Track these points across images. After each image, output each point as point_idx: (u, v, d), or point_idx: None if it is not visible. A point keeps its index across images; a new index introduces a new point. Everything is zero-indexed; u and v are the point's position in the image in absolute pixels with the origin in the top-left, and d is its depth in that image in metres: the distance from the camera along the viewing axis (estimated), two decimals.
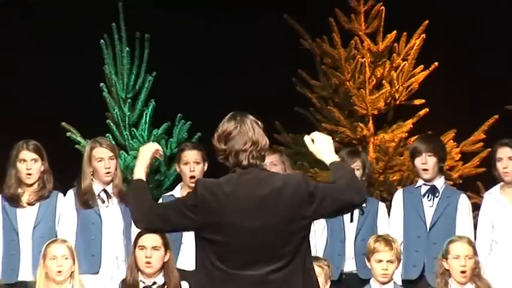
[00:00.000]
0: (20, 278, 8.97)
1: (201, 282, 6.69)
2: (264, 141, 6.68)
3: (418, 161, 9.23)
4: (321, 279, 8.39)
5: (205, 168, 9.27)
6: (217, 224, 6.56)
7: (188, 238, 8.91)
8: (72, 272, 8.50)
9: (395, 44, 11.11)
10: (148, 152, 6.79)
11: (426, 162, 9.20)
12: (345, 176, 6.80)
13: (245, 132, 6.69)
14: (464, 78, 10.77)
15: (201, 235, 6.65)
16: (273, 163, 9.12)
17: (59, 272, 8.41)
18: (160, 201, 9.24)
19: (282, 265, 6.59)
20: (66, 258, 8.46)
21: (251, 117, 6.73)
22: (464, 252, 8.54)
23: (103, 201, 9.07)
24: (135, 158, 10.54)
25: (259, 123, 6.75)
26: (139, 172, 6.73)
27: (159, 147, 6.86)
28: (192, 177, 9.19)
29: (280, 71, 11.04)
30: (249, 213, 6.59)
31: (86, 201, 9.03)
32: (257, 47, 10.84)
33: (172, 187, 9.89)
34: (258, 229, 6.58)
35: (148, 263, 8.44)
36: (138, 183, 6.75)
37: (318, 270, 8.37)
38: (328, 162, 6.82)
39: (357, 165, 9.23)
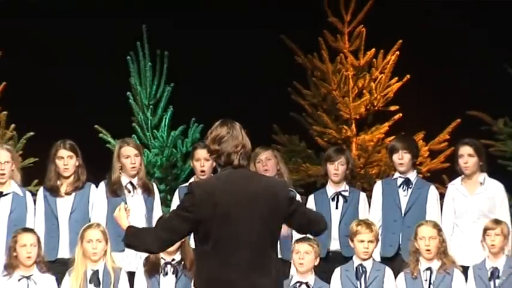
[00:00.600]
0: (59, 256, 9.00)
1: (201, 270, 6.71)
2: (249, 145, 6.71)
3: (395, 157, 9.29)
4: (311, 256, 8.56)
5: (214, 164, 9.24)
6: (214, 216, 6.53)
7: None
8: (105, 251, 8.58)
9: (374, 60, 11.16)
10: (121, 216, 6.74)
11: (402, 158, 9.25)
12: (312, 215, 6.99)
13: (236, 136, 6.67)
14: (432, 88, 10.75)
15: (199, 230, 6.64)
16: (268, 158, 9.16)
17: (94, 253, 8.52)
18: (177, 192, 9.44)
19: (263, 249, 6.66)
20: (100, 242, 8.53)
21: (238, 124, 6.72)
22: (428, 234, 8.64)
23: (129, 191, 9.12)
24: (156, 155, 10.77)
25: (244, 130, 6.77)
26: (124, 225, 6.64)
27: (123, 206, 6.75)
28: (202, 171, 9.28)
29: (278, 82, 11.08)
30: (240, 205, 6.58)
31: (115, 190, 9.09)
32: (259, 62, 10.81)
33: (187, 180, 9.96)
34: (248, 218, 6.59)
35: None
36: (129, 230, 6.63)
37: (309, 248, 8.57)
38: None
39: (341, 160, 9.30)
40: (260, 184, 6.74)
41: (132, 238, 6.71)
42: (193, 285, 6.98)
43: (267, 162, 9.10)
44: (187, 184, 9.31)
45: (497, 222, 8.79)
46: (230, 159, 6.63)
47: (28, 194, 9.23)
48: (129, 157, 9.12)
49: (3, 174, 9.02)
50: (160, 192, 9.45)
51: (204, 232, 6.58)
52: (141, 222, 9.00)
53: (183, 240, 8.05)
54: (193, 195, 6.60)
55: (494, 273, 8.66)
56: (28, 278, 8.62)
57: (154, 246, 6.75)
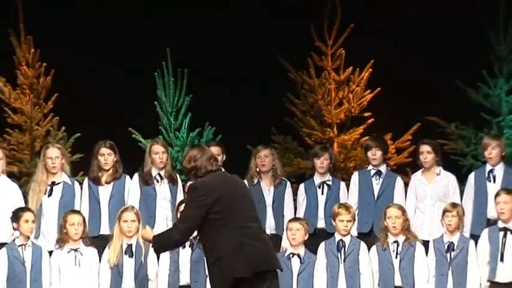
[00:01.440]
0: (101, 233, 9.01)
1: (227, 242, 6.76)
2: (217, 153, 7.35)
3: (369, 153, 9.36)
4: (302, 233, 8.65)
5: (224, 158, 9.26)
6: (220, 198, 6.79)
7: None
8: (137, 229, 8.58)
9: (351, 76, 11.10)
10: (147, 232, 7.05)
11: (375, 154, 9.31)
12: None
13: (205, 152, 7.04)
14: (398, 98, 10.67)
15: (212, 212, 6.79)
16: (266, 155, 9.17)
17: (129, 231, 8.57)
18: (193, 188, 9.35)
19: (259, 220, 7.02)
20: (134, 221, 8.57)
21: (205, 145, 7.49)
22: (394, 214, 8.69)
23: (157, 181, 9.11)
24: (178, 152, 10.85)
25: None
26: (151, 238, 6.93)
27: (148, 227, 7.19)
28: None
29: (275, 93, 11.04)
30: (234, 189, 6.93)
31: (146, 181, 9.09)
32: (260, 77, 10.82)
33: None
34: (242, 196, 6.94)
35: None
36: (154, 239, 6.91)
37: (300, 226, 8.70)
38: None
39: (325, 156, 9.35)
40: (235, 177, 7.15)
41: (159, 243, 6.96)
42: (216, 258, 6.84)
43: (265, 159, 9.14)
44: None
45: (454, 205, 8.80)
46: (207, 168, 6.95)
47: (76, 183, 9.23)
48: (158, 153, 9.14)
49: (55, 167, 9.03)
50: (182, 181, 9.40)
51: (216, 211, 6.76)
52: (167, 206, 9.13)
53: (184, 228, 8.05)
54: (198, 189, 6.89)
55: (450, 247, 8.65)
56: (75, 250, 8.63)
57: (180, 237, 6.96)
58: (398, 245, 8.67)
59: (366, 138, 10.27)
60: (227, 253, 6.77)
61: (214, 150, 9.20)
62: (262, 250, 6.80)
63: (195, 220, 6.80)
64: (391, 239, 8.69)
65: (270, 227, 9.05)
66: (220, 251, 6.79)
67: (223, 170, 7.13)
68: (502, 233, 8.58)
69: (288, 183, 9.34)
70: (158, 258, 8.66)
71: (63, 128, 10.83)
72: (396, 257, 8.65)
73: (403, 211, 8.78)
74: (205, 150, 7.04)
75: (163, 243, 6.98)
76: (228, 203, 6.83)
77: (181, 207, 8.34)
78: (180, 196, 9.10)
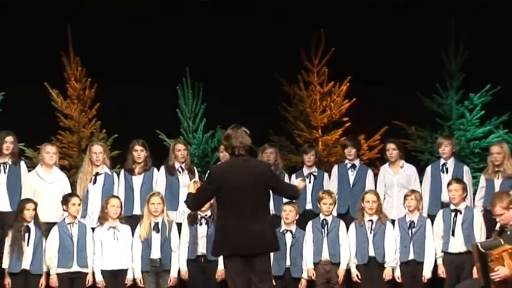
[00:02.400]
0: (134, 213, 8.99)
1: (219, 220, 6.90)
2: (247, 142, 6.86)
3: (346, 151, 9.41)
4: (294, 213, 8.74)
5: (221, 155, 9.30)
6: (223, 187, 6.71)
7: None
8: (162, 210, 8.55)
9: (333, 88, 11.02)
10: (190, 186, 7.10)
11: (351, 151, 9.37)
12: (288, 186, 7.31)
13: (237, 136, 6.80)
14: (370, 107, 10.63)
15: (217, 196, 6.84)
16: (271, 152, 9.18)
17: (156, 211, 8.54)
18: (208, 172, 9.33)
19: (258, 209, 6.77)
20: (160, 204, 8.54)
21: (243, 128, 6.88)
22: (370, 198, 8.69)
23: (179, 172, 9.16)
24: (195, 149, 10.93)
25: (247, 131, 6.89)
26: (191, 190, 7.00)
27: (193, 181, 7.28)
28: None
29: (272, 103, 10.99)
30: (237, 180, 6.73)
31: (171, 172, 9.12)
32: (261, 90, 10.73)
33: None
34: (243, 188, 6.70)
35: None
36: (188, 194, 7.04)
37: (292, 208, 8.79)
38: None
39: (312, 153, 9.44)
40: (252, 166, 6.88)
41: (186, 199, 7.10)
42: (215, 227, 7.18)
43: (270, 155, 9.14)
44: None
45: (413, 191, 8.83)
46: (234, 151, 6.79)
47: (114, 174, 9.24)
48: (180, 150, 9.18)
49: (98, 160, 9.06)
50: (198, 172, 9.41)
51: (219, 197, 6.79)
52: (186, 193, 9.05)
53: (212, 202, 8.00)
54: (208, 176, 6.96)
55: (412, 224, 8.66)
56: (114, 227, 8.64)
57: (192, 206, 7.20)
58: (372, 223, 8.64)
59: (344, 138, 10.21)
60: (218, 227, 6.95)
61: (221, 154, 9.45)
62: (242, 234, 6.72)
63: (201, 198, 6.99)
64: (366, 218, 8.65)
65: (271, 208, 9.08)
66: (216, 224, 7.08)
67: (246, 157, 6.87)
68: (453, 214, 8.56)
69: (286, 175, 9.29)
70: (179, 233, 8.63)
71: (104, 130, 10.79)
72: (370, 233, 8.62)
73: (378, 196, 8.77)
74: (237, 134, 6.81)
75: (187, 203, 7.13)
76: (225, 192, 6.77)
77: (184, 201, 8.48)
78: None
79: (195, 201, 7.07)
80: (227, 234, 6.74)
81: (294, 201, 8.71)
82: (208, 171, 7.00)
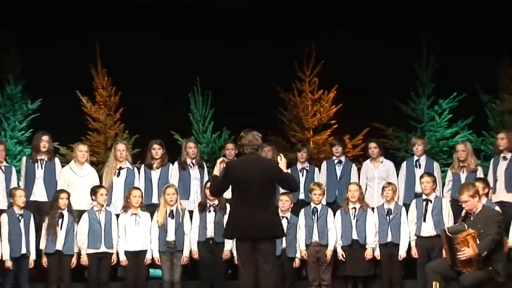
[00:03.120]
0: (152, 202, 8.95)
1: (231, 207, 7.03)
2: (257, 142, 6.96)
3: (334, 149, 9.38)
4: (289, 202, 8.70)
5: (236, 152, 9.22)
6: (236, 180, 6.81)
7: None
8: (176, 199, 8.54)
9: (322, 96, 10.99)
10: (217, 166, 7.11)
11: (338, 149, 9.34)
12: (294, 181, 7.18)
13: (247, 138, 6.90)
14: (354, 112, 10.66)
15: (232, 187, 6.91)
16: (268, 150, 9.05)
17: (171, 200, 8.51)
18: (225, 165, 9.38)
19: (265, 200, 6.82)
20: (174, 194, 8.52)
21: (255, 131, 6.97)
22: (354, 189, 8.69)
23: (191, 167, 9.12)
24: (204, 147, 10.83)
25: (258, 134, 6.98)
26: (216, 172, 7.06)
27: (221, 159, 7.24)
28: (231, 156, 9.27)
29: (271, 107, 10.98)
30: (247, 174, 6.79)
31: (184, 167, 9.09)
32: (260, 97, 10.71)
33: None
34: (251, 180, 6.76)
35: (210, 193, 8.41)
36: (213, 176, 7.15)
37: (287, 198, 8.70)
38: (284, 171, 7.03)
39: (305, 150, 9.41)
40: (260, 162, 6.92)
41: (211, 183, 7.40)
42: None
43: (267, 152, 9.01)
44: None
45: (390, 183, 8.81)
46: (245, 149, 6.87)
47: (135, 168, 9.20)
48: (191, 148, 9.17)
49: (122, 156, 9.03)
50: (207, 167, 9.40)
51: (232, 187, 6.88)
52: (197, 183, 9.12)
53: (211, 186, 8.04)
54: (226, 168, 6.98)
55: (389, 212, 8.64)
56: (135, 214, 8.62)
57: (213, 192, 7.49)
58: (355, 210, 8.63)
59: (332, 138, 10.19)
60: (230, 213, 7.09)
61: (230, 146, 9.51)
62: (250, 221, 6.76)
63: (220, 186, 7.11)
64: (350, 206, 8.64)
65: None
66: (229, 211, 7.17)
67: (256, 155, 6.98)
68: (424, 202, 8.55)
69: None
70: (191, 219, 8.61)
71: (127, 131, 10.77)
72: (354, 218, 8.60)
73: (360, 187, 8.79)
74: (248, 136, 6.94)
75: (210, 185, 7.43)
76: (236, 184, 6.87)
77: (208, 184, 8.42)
78: (206, 178, 9.04)
79: (215, 189, 7.28)
80: (237, 220, 6.83)
81: (289, 192, 8.81)
82: (225, 165, 7.06)
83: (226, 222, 7.23)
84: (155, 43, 10.70)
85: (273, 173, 6.90)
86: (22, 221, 8.36)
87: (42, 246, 8.43)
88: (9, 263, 8.22)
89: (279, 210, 8.54)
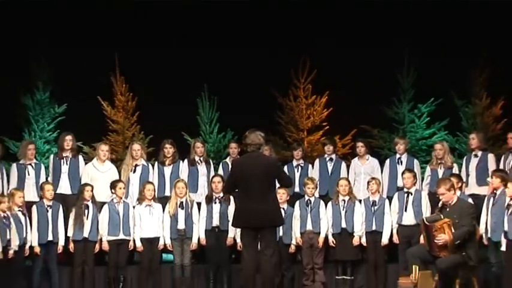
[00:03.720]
0: (165, 195, 8.94)
1: (237, 201, 7.18)
2: (259, 141, 6.95)
3: (326, 148, 9.42)
4: (285, 195, 8.73)
5: (239, 150, 9.21)
6: (240, 175, 6.80)
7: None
8: (186, 192, 8.56)
9: (315, 100, 10.94)
10: None
11: (329, 148, 9.37)
12: (288, 178, 7.29)
13: (250, 137, 6.90)
14: (344, 115, 10.61)
15: (237, 183, 6.92)
16: (266, 149, 8.92)
17: (181, 193, 8.54)
18: (221, 164, 9.39)
19: (266, 193, 6.82)
20: (183, 188, 8.56)
21: (258, 131, 6.98)
22: (343, 183, 8.73)
23: (199, 164, 9.11)
24: (211, 146, 10.74)
25: (261, 133, 6.98)
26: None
27: None
28: (234, 156, 9.24)
29: (270, 111, 10.93)
30: (250, 170, 6.77)
31: (193, 164, 9.09)
32: (260, 102, 10.69)
33: (224, 159, 9.82)
34: (254, 176, 6.75)
35: (216, 187, 8.42)
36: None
37: (284, 191, 8.77)
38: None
39: (300, 149, 9.46)
40: (262, 160, 6.90)
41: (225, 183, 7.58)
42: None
43: (265, 151, 8.94)
44: (226, 160, 9.47)
45: (374, 178, 8.84)
46: (248, 148, 6.88)
47: (150, 165, 9.19)
48: (199, 147, 9.17)
49: (137, 155, 9.05)
50: (213, 164, 9.42)
51: (239, 184, 6.86)
52: (204, 179, 9.10)
53: (225, 186, 8.05)
54: (232, 166, 7.15)
55: (374, 203, 8.69)
56: (149, 205, 8.65)
57: (225, 191, 7.89)
58: (344, 202, 8.65)
59: (324, 138, 10.20)
60: (236, 206, 7.27)
61: (233, 145, 9.47)
62: (253, 212, 6.79)
63: (230, 185, 7.16)
64: (340, 198, 8.66)
65: None
66: (235, 203, 7.40)
67: (258, 152, 6.97)
68: (405, 195, 8.59)
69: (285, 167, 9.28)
70: (199, 210, 8.62)
71: (142, 132, 10.74)
72: (343, 209, 8.62)
73: (349, 182, 8.79)
74: (251, 136, 6.95)
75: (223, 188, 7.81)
76: (240, 179, 6.88)
77: (215, 179, 8.48)
78: (212, 174, 9.05)
79: (226, 188, 7.53)
80: (242, 212, 6.89)
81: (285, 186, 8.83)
82: (233, 162, 7.16)
83: (233, 213, 7.28)
84: (167, 54, 10.68)
85: (272, 169, 6.94)
86: (50, 211, 8.42)
87: (70, 233, 8.48)
88: (37, 249, 8.27)
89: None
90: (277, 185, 8.45)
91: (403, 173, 8.71)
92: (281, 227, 8.39)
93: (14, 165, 8.88)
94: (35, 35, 10.27)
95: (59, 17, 10.39)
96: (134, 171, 9.00)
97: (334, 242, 8.58)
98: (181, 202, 8.54)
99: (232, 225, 7.33)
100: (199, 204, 8.68)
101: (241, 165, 6.94)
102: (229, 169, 7.14)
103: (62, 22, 10.41)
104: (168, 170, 9.04)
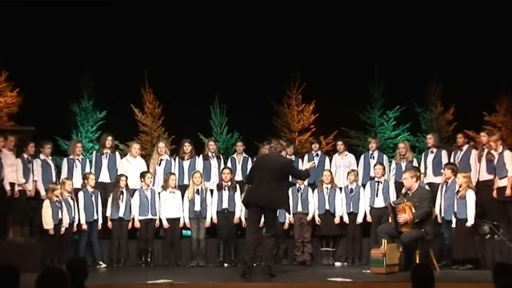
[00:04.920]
0: (184, 183, 8.87)
1: (252, 187, 6.98)
2: (281, 146, 7.03)
3: (313, 146, 9.36)
4: None
5: (244, 148, 9.20)
6: (259, 167, 6.81)
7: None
8: (201, 181, 8.51)
9: (304, 108, 10.86)
10: (309, 165, 7.43)
11: (316, 146, 9.30)
12: (302, 173, 7.27)
13: (274, 142, 7.05)
14: (326, 119, 10.60)
15: (255, 167, 6.91)
16: (266, 148, 8.87)
17: (197, 182, 8.51)
18: (229, 160, 9.24)
19: (276, 184, 6.77)
20: (199, 177, 8.53)
21: (281, 140, 7.41)
22: (326, 174, 8.69)
23: (211, 158, 9.04)
24: (221, 144, 10.57)
25: (283, 141, 7.30)
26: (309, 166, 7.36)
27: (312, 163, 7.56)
28: (240, 152, 9.12)
29: (268, 116, 10.87)
30: (268, 164, 6.77)
31: (206, 158, 9.02)
32: (260, 109, 10.65)
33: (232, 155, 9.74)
34: (269, 169, 6.75)
35: (226, 177, 8.36)
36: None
37: None
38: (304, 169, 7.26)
39: (292, 147, 9.30)
40: (278, 159, 6.87)
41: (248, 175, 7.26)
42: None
43: (265, 150, 8.95)
44: (232, 156, 9.37)
45: (353, 170, 8.82)
46: (267, 150, 7.17)
47: (172, 159, 9.12)
48: (211, 145, 9.08)
49: (162, 151, 9.01)
50: (222, 158, 9.34)
51: (256, 173, 6.82)
52: (216, 171, 8.99)
53: (231, 177, 8.00)
54: (255, 160, 7.14)
55: (351, 190, 8.67)
56: (172, 192, 8.63)
57: (246, 181, 7.46)
58: (328, 189, 8.62)
59: (311, 138, 10.15)
60: (248, 188, 7.17)
61: (239, 144, 9.37)
62: (262, 195, 6.80)
63: (249, 175, 7.10)
64: (324, 186, 8.63)
65: None
66: (247, 191, 7.23)
67: (277, 152, 6.94)
68: (376, 183, 8.58)
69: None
70: (212, 195, 8.59)
71: (166, 133, 10.68)
72: (327, 195, 8.59)
73: (331, 173, 8.74)
74: (274, 141, 7.03)
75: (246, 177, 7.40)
76: (259, 171, 6.87)
77: (224, 170, 8.42)
78: (222, 166, 9.00)
79: (248, 178, 7.29)
80: (252, 192, 6.92)
81: None
82: (254, 159, 7.15)
83: (246, 192, 7.28)
84: (186, 71, 10.62)
85: (285, 167, 6.97)
86: (93, 196, 8.42)
87: (108, 214, 8.49)
88: (84, 226, 8.30)
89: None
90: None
91: (374, 166, 8.70)
92: None
93: (65, 159, 8.89)
94: (80, 53, 10.25)
95: (98, 39, 10.35)
96: (159, 164, 8.98)
97: (320, 220, 8.57)
98: (198, 189, 8.54)
99: (242, 201, 7.27)
100: (211, 190, 8.67)
101: (262, 160, 7.03)
102: (252, 162, 7.11)
103: (101, 43, 10.38)
104: (186, 164, 9.02)
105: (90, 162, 9.04)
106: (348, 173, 8.70)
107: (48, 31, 10.18)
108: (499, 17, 10.03)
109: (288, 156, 9.23)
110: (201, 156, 9.13)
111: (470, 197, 7.67)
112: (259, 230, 6.98)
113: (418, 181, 7.80)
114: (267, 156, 7.06)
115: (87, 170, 8.83)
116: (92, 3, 10.23)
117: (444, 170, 8.19)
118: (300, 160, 9.32)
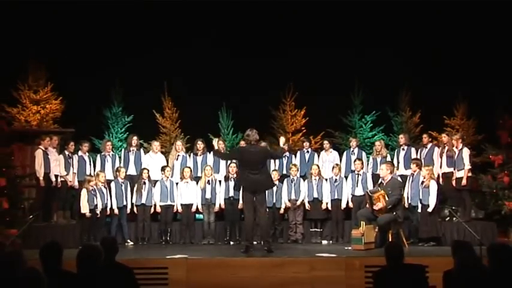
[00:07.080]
0: (198, 175, 8.78)
1: (240, 174, 6.95)
2: (256, 137, 6.89)
3: (304, 144, 9.28)
4: (277, 175, 8.51)
5: (243, 144, 9.10)
6: (243, 157, 6.69)
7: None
8: (211, 174, 8.46)
9: (297, 112, 10.84)
10: (216, 143, 7.25)
11: (306, 144, 9.24)
12: (277, 153, 7.04)
13: (250, 134, 6.82)
14: (316, 122, 10.62)
15: (239, 159, 6.79)
16: (264, 145, 8.81)
17: (208, 173, 8.45)
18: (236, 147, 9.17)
19: (260, 168, 6.75)
20: (210, 170, 8.46)
21: (254, 130, 6.91)
22: (314, 168, 8.59)
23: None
24: (228, 143, 10.47)
25: (256, 132, 6.91)
26: (216, 147, 7.12)
27: (218, 140, 7.30)
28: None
29: (267, 120, 10.86)
30: (251, 154, 6.68)
31: (217, 154, 8.76)
32: (259, 115, 10.57)
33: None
34: (252, 158, 6.68)
35: (232, 170, 8.28)
36: (216, 151, 7.19)
37: (275, 173, 8.50)
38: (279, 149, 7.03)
39: (286, 145, 9.09)
40: (258, 148, 6.83)
41: (216, 153, 7.20)
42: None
43: (262, 144, 8.88)
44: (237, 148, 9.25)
45: (337, 164, 8.74)
46: (246, 141, 6.82)
47: (187, 156, 9.06)
48: (220, 145, 8.91)
49: (179, 149, 8.95)
50: None
51: (240, 162, 6.81)
52: (223, 165, 8.87)
53: (237, 170, 7.93)
54: (236, 148, 7.13)
55: (336, 181, 8.60)
56: (187, 182, 8.57)
57: (221, 158, 7.35)
58: (316, 180, 8.58)
59: (302, 138, 10.13)
60: (239, 177, 7.02)
61: (242, 143, 9.00)
62: (251, 181, 6.77)
63: (227, 157, 7.20)
64: (313, 177, 8.59)
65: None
66: (238, 176, 7.15)
67: (255, 144, 6.84)
68: (356, 175, 8.54)
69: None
70: (220, 185, 8.55)
71: (182, 133, 10.68)
72: (315, 185, 8.55)
73: (319, 167, 8.68)
74: (251, 133, 6.91)
75: (217, 153, 7.16)
76: (243, 160, 6.83)
77: (231, 165, 8.35)
78: (229, 161, 8.90)
79: (223, 156, 7.30)
80: (243, 180, 6.87)
81: (276, 168, 8.71)
82: (238, 147, 7.02)
83: (236, 180, 7.23)
84: (200, 81, 10.60)
85: (265, 152, 7.05)
86: (123, 186, 8.45)
87: (133, 200, 8.50)
88: (116, 211, 8.32)
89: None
90: (272, 167, 8.42)
91: (354, 161, 8.69)
92: (274, 196, 8.42)
93: (98, 155, 8.92)
94: (111, 67, 10.23)
95: (128, 59, 10.32)
96: (177, 159, 8.96)
97: (309, 206, 8.57)
98: (209, 180, 8.53)
99: (235, 189, 7.28)
100: (220, 181, 8.66)
101: (243, 151, 6.98)
102: (237, 150, 7.00)
103: (131, 61, 10.33)
104: (199, 159, 9.00)
105: (120, 158, 9.04)
106: (333, 167, 8.69)
107: (85, 50, 10.21)
108: (457, 35, 10.09)
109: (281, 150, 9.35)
110: (211, 153, 9.04)
111: (433, 186, 7.71)
112: (254, 211, 6.99)
113: (392, 173, 7.82)
114: (246, 148, 7.01)
115: (117, 164, 8.82)
116: (122, 30, 10.22)
117: (411, 164, 8.20)
118: (293, 156, 9.30)
